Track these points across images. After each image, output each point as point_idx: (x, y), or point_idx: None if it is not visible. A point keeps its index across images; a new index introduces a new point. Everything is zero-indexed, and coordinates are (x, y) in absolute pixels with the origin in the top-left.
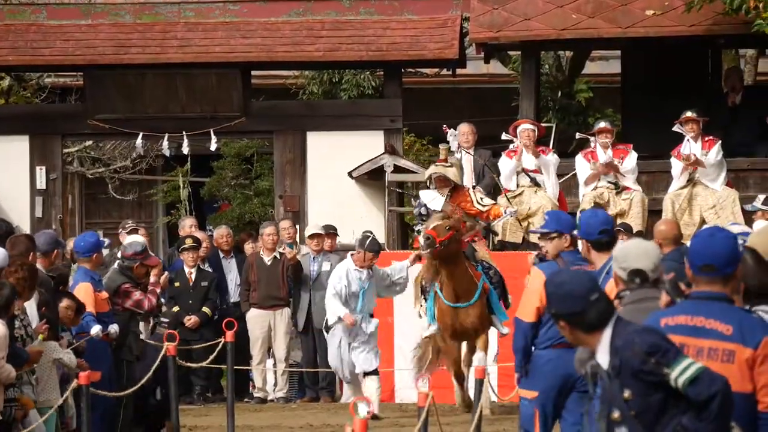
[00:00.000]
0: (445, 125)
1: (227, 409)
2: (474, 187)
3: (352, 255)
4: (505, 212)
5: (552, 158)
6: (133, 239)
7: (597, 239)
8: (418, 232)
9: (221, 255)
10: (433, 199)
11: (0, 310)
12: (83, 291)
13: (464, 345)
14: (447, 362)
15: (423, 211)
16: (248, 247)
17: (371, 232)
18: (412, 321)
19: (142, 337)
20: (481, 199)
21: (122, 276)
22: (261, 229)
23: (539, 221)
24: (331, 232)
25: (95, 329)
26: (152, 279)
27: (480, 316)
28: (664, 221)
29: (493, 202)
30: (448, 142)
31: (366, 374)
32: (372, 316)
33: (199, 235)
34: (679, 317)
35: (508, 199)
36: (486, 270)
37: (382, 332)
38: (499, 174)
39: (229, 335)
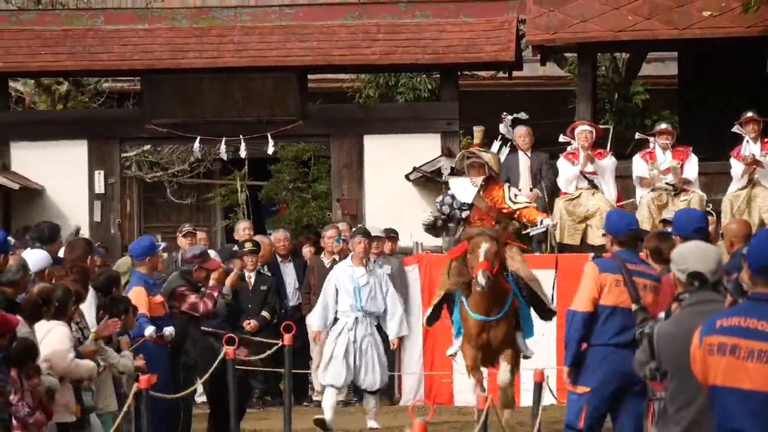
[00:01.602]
0: (504, 113)
1: (284, 412)
2: (509, 184)
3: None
4: (542, 222)
5: (609, 162)
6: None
7: (691, 237)
8: (439, 228)
9: (279, 259)
10: (464, 189)
11: (57, 311)
12: (136, 295)
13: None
14: (467, 365)
15: (446, 209)
16: (306, 251)
17: (362, 225)
18: None
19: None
20: (515, 196)
21: (181, 279)
22: (323, 233)
23: (597, 223)
24: (391, 235)
25: (149, 330)
26: (211, 282)
27: (507, 332)
28: (736, 220)
29: (528, 202)
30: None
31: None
32: (378, 318)
33: (260, 238)
34: (733, 318)
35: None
36: (516, 281)
37: (444, 335)
38: (556, 176)
39: (288, 338)
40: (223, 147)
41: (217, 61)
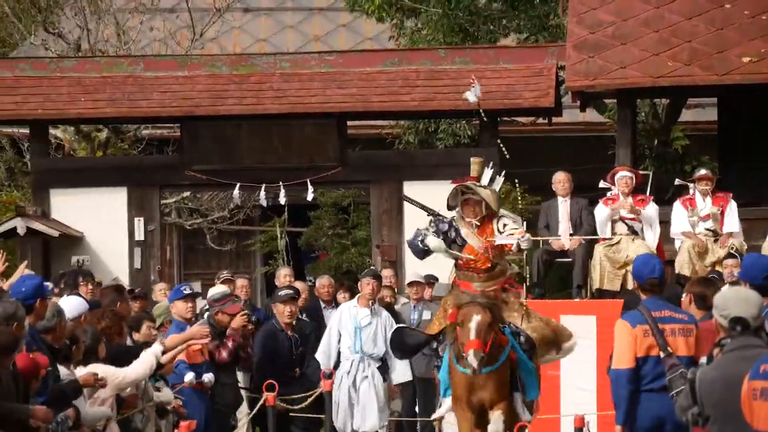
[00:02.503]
0: (473, 76)
1: None
2: (499, 217)
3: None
4: (520, 237)
5: (652, 209)
6: (218, 288)
7: (763, 284)
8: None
9: (322, 305)
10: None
11: (87, 354)
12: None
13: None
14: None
15: (429, 241)
16: (341, 297)
17: (372, 266)
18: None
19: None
20: (504, 226)
21: (207, 325)
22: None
23: None
24: (431, 281)
25: (189, 376)
26: (228, 331)
27: (499, 388)
28: None
29: (516, 228)
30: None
31: None
32: (384, 360)
33: (298, 285)
34: None
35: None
36: (515, 335)
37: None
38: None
39: (327, 384)
40: (262, 194)
41: (256, 108)
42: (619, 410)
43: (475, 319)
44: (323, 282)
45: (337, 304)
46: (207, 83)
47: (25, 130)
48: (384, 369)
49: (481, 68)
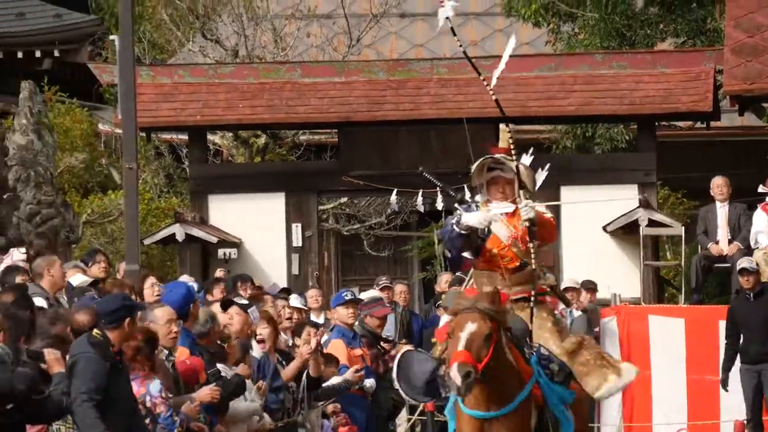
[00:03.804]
0: None
1: None
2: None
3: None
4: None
5: None
6: (369, 293)
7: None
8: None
9: None
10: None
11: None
12: (333, 347)
13: None
14: None
15: (467, 218)
16: None
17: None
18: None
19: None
20: (531, 209)
21: (361, 328)
22: None
23: None
24: (590, 287)
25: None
26: (393, 352)
27: None
28: None
29: (543, 212)
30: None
31: None
32: None
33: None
34: None
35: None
36: (543, 362)
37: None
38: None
39: None
40: (419, 199)
41: (413, 113)
42: None
43: (468, 328)
44: None
45: None
46: (364, 89)
47: (184, 137)
48: None
49: (639, 73)
